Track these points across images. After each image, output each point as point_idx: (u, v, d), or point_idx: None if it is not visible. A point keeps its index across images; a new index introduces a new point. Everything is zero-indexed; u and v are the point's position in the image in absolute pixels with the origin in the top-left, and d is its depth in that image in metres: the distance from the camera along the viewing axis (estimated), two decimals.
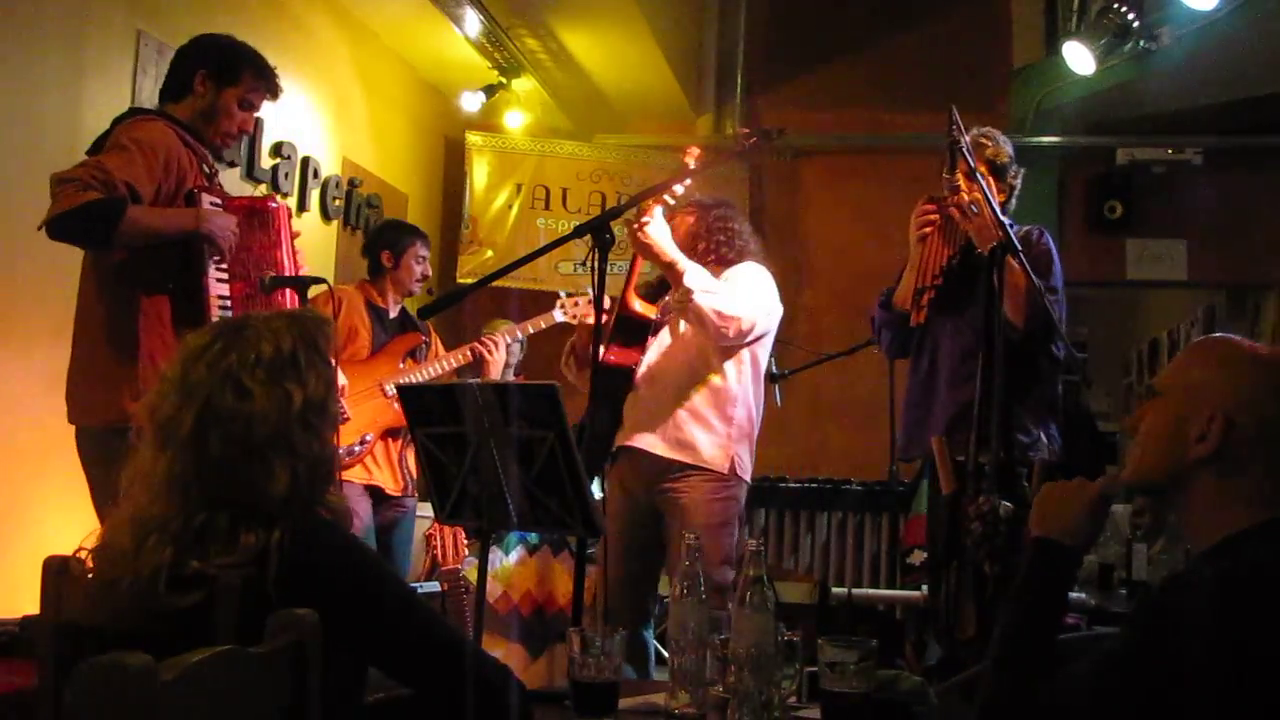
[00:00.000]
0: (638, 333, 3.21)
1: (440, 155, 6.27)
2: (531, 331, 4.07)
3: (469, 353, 3.88)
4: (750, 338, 3.10)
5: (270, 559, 1.43)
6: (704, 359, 3.12)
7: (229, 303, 2.70)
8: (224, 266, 2.72)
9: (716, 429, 3.10)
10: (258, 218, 2.80)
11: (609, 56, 5.67)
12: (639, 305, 3.19)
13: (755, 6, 6.29)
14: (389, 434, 3.78)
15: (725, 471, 3.09)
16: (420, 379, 3.72)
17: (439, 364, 3.85)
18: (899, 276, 3.06)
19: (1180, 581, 1.40)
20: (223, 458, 1.47)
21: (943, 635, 2.68)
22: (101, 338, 2.64)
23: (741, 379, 3.15)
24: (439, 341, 4.05)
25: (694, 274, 3.00)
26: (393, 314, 3.91)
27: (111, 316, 2.63)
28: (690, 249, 3.12)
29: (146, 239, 2.60)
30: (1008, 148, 2.99)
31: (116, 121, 2.71)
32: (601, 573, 3.25)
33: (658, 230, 3.00)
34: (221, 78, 2.77)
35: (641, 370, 3.19)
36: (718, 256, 3.18)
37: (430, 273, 3.98)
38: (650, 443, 3.11)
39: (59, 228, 2.52)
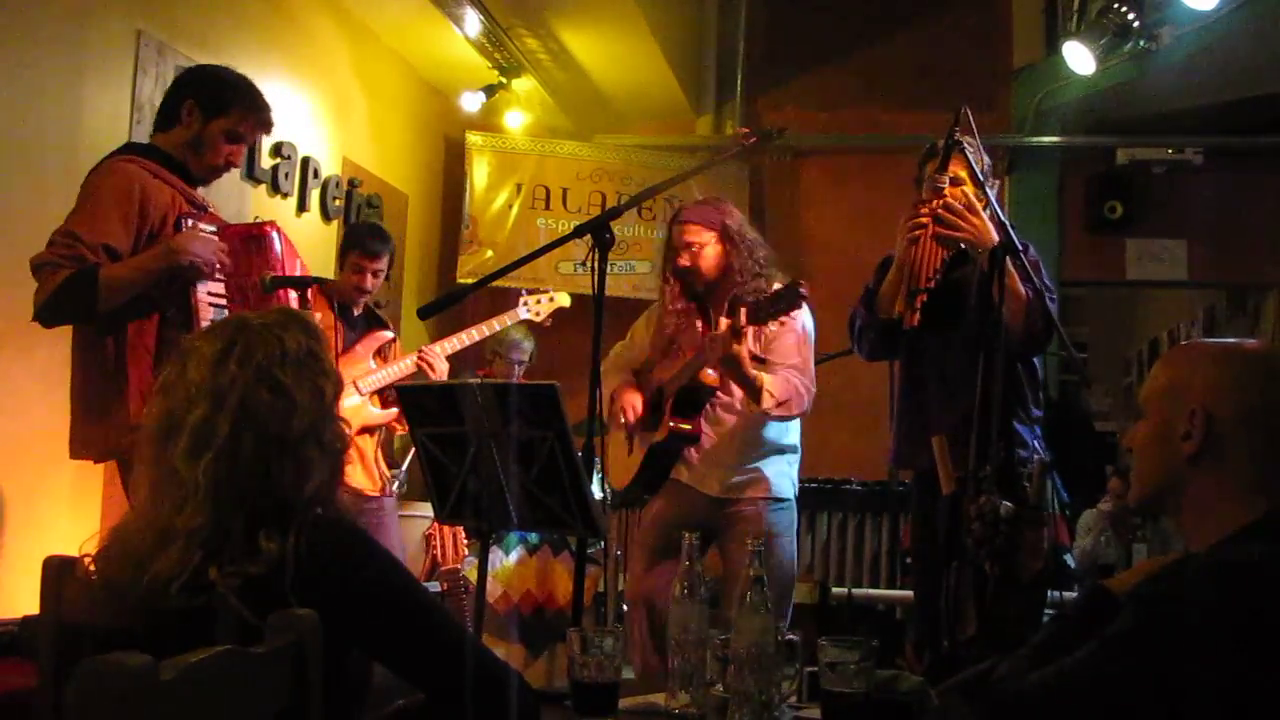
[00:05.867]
0: (702, 399, 3.23)
1: (440, 155, 6.27)
2: (487, 333, 4.03)
3: (413, 364, 3.80)
4: None
5: (288, 562, 1.42)
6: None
7: None
8: (220, 293, 2.70)
9: (783, 460, 3.27)
10: (254, 244, 2.79)
11: (609, 56, 5.67)
12: (710, 372, 3.15)
13: (755, 7, 6.29)
14: (364, 432, 3.74)
15: (789, 497, 3.26)
16: (386, 379, 3.72)
17: (401, 364, 3.80)
18: (876, 277, 3.01)
19: (1183, 569, 1.42)
20: (255, 458, 1.46)
21: (933, 638, 2.67)
22: (92, 371, 2.63)
23: None
24: (397, 344, 3.96)
25: (769, 392, 3.03)
26: (356, 311, 3.85)
27: (99, 349, 2.62)
28: (729, 280, 3.16)
29: (131, 291, 2.58)
30: (986, 157, 2.97)
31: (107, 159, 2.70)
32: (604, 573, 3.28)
33: (745, 351, 3.02)
34: (209, 108, 2.73)
35: (709, 430, 3.24)
36: (756, 286, 3.18)
37: (370, 287, 3.80)
38: (726, 488, 3.20)
39: (47, 316, 2.55)
